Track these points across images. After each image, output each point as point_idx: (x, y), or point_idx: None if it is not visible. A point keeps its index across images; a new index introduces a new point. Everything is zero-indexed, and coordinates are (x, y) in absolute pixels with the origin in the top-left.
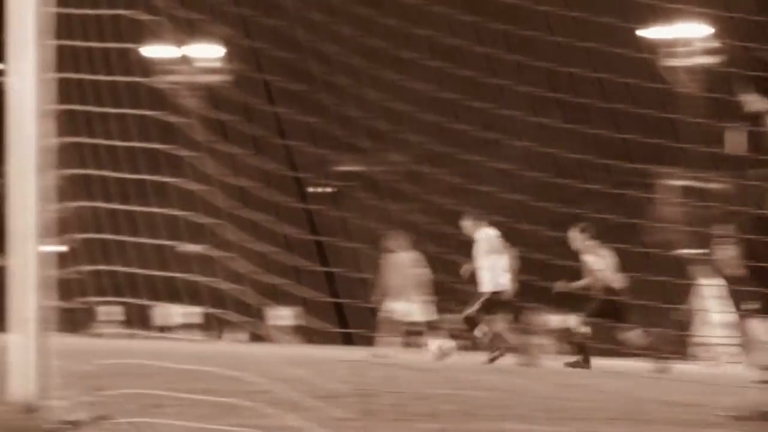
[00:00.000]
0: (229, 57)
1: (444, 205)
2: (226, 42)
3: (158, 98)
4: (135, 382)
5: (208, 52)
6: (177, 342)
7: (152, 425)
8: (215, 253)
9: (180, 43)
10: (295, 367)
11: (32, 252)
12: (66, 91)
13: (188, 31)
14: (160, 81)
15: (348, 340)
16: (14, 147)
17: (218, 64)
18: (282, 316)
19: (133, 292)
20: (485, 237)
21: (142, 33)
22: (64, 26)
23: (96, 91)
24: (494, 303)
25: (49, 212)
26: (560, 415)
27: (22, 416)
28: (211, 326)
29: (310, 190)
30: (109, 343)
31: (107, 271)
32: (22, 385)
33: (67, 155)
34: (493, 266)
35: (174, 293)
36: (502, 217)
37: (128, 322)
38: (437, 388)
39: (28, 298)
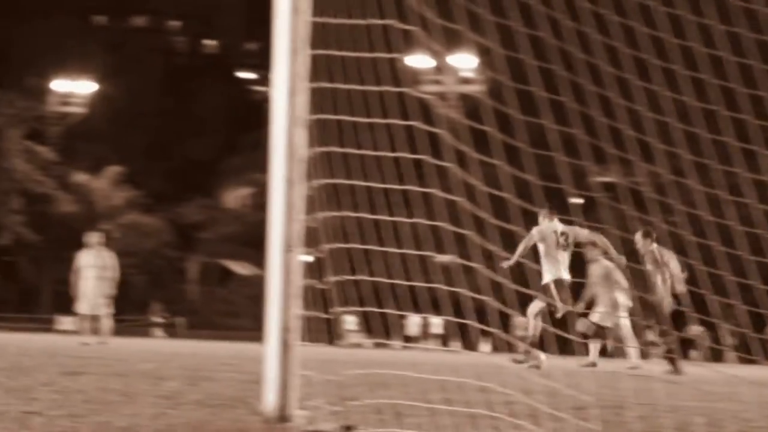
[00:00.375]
0: (486, 66)
1: (702, 217)
2: (483, 51)
3: (411, 108)
4: (379, 393)
5: (464, 62)
6: (421, 352)
7: None
8: (463, 263)
9: (436, 52)
10: (543, 378)
11: (287, 262)
12: (320, 100)
13: (445, 40)
14: (414, 91)
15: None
16: (274, 157)
17: (474, 74)
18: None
19: (379, 302)
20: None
21: (397, 42)
22: (318, 36)
23: (349, 100)
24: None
25: (303, 222)
26: None
27: (271, 425)
28: (452, 336)
29: (570, 200)
30: (356, 353)
31: (354, 281)
32: (274, 395)
33: (319, 165)
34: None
35: (417, 303)
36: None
37: (374, 332)
38: (686, 400)
39: (281, 308)
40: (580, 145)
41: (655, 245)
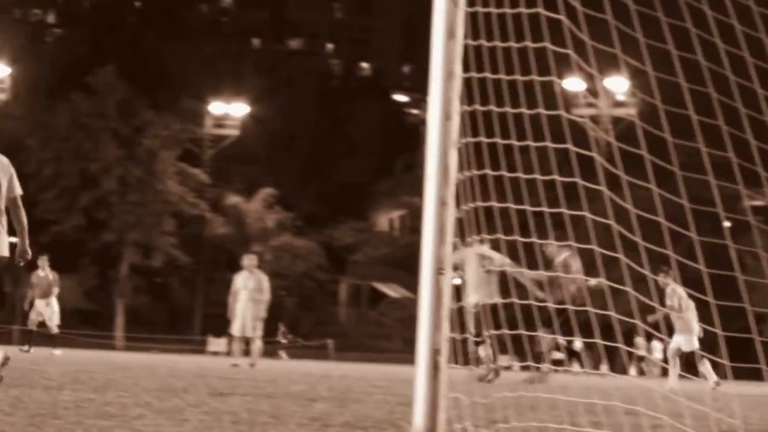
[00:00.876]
0: (638, 88)
1: None
2: (636, 73)
3: (564, 131)
4: (527, 415)
5: (617, 85)
6: (568, 374)
7: None
8: (612, 285)
9: (590, 75)
10: (693, 402)
11: (438, 284)
12: (473, 122)
13: (598, 63)
14: (567, 114)
15: (755, 375)
16: (428, 179)
17: (627, 96)
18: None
19: (528, 325)
20: None
21: (551, 65)
22: (473, 59)
23: (502, 123)
24: None
25: (452, 245)
26: None
27: None
28: (595, 358)
29: (724, 224)
30: (505, 376)
31: (504, 302)
32: (422, 417)
33: (470, 188)
34: None
35: (564, 325)
36: None
37: (522, 355)
38: None
39: (431, 329)
40: (734, 168)
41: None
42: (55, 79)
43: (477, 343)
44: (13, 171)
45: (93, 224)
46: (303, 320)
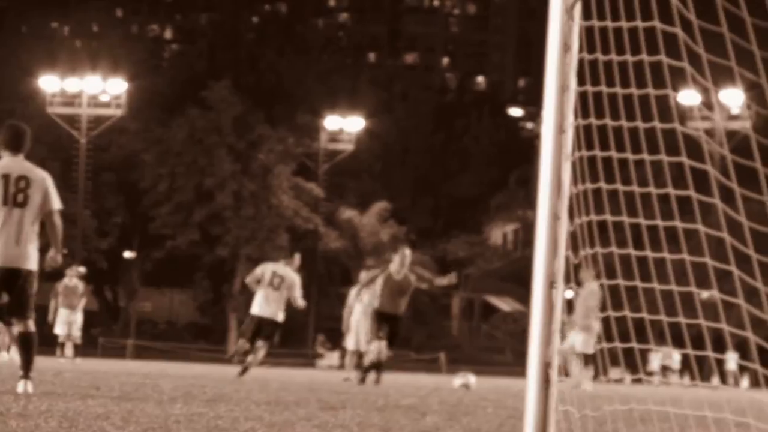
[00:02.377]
0: (754, 101)
1: None
2: (751, 87)
3: (679, 144)
4: (637, 428)
5: (732, 98)
6: (674, 387)
7: None
8: (725, 298)
9: (705, 88)
10: None
11: (550, 298)
12: (587, 136)
13: (713, 76)
14: (682, 127)
15: None
16: (541, 193)
17: (742, 110)
18: None
19: (642, 337)
20: None
21: (666, 78)
22: (588, 71)
23: (617, 136)
24: None
25: (566, 258)
26: None
27: None
28: (691, 370)
29: None
30: (615, 389)
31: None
32: (534, 429)
33: (585, 200)
34: None
35: (677, 338)
36: None
37: (634, 368)
38: None
39: (542, 343)
40: None
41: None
42: (172, 95)
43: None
44: (49, 185)
45: (207, 239)
46: (415, 333)
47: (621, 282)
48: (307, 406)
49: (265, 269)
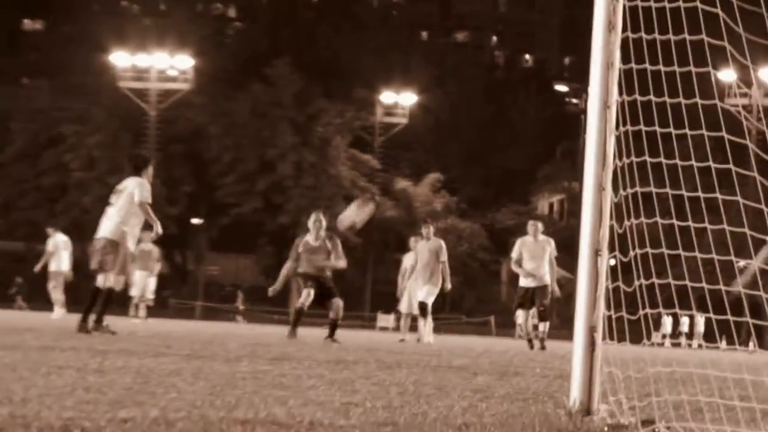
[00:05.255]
0: None
1: None
2: None
3: (719, 120)
4: (678, 389)
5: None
6: (708, 351)
7: (689, 429)
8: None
9: (743, 66)
10: None
11: (595, 265)
12: (632, 111)
13: (752, 55)
14: (722, 104)
15: None
16: (587, 166)
17: None
18: None
19: (674, 304)
20: None
21: (707, 56)
22: (632, 50)
23: (660, 112)
24: None
25: (610, 228)
26: None
27: (574, 419)
28: (745, 336)
29: None
30: (658, 352)
31: (661, 283)
32: (578, 390)
33: (630, 172)
34: None
35: (706, 304)
36: None
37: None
38: None
39: (587, 308)
40: None
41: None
42: (236, 70)
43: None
44: (139, 182)
45: (270, 207)
46: (466, 298)
47: (665, 251)
48: (365, 365)
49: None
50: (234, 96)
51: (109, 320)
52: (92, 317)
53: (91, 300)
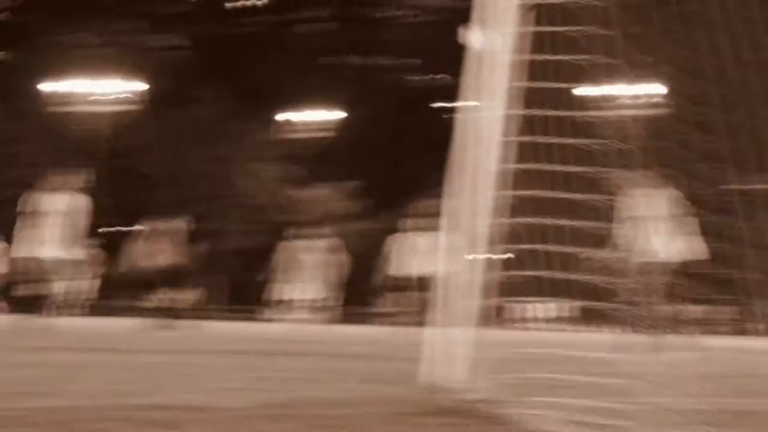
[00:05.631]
0: (670, 93)
1: None
2: (669, 80)
3: (596, 130)
4: (536, 368)
5: (651, 90)
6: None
7: (544, 403)
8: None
9: (627, 81)
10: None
11: (473, 258)
12: (527, 122)
13: (636, 71)
14: (598, 115)
15: None
16: (469, 168)
17: (659, 100)
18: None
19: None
20: None
21: (593, 73)
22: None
23: (544, 124)
24: None
25: (497, 225)
26: None
27: (434, 396)
28: (586, 321)
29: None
30: (525, 335)
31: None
32: (439, 370)
33: (519, 178)
34: None
35: (557, 291)
36: None
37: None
38: None
39: (462, 296)
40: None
41: None
42: (175, 93)
43: None
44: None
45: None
46: None
47: (534, 246)
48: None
49: None
50: (172, 115)
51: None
52: None
53: None
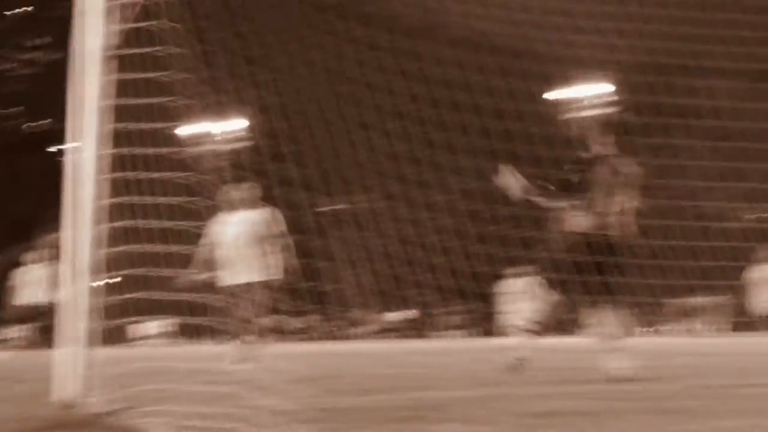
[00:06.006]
0: (250, 128)
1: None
2: (248, 116)
3: (186, 165)
4: (152, 380)
5: (233, 125)
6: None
7: (159, 412)
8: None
9: (210, 119)
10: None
11: (84, 284)
12: (119, 161)
13: (217, 110)
14: (189, 151)
15: None
16: (76, 204)
17: (240, 134)
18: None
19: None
20: None
21: (180, 114)
22: (116, 109)
23: (144, 161)
24: None
25: (101, 254)
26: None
27: (64, 412)
28: (186, 335)
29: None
30: (141, 351)
31: (142, 295)
32: (67, 389)
33: (116, 210)
34: None
35: (155, 310)
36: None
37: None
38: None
39: (78, 319)
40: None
41: None
42: None
43: None
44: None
45: None
46: None
47: (138, 271)
48: None
49: None
50: None
51: None
52: None
53: None
